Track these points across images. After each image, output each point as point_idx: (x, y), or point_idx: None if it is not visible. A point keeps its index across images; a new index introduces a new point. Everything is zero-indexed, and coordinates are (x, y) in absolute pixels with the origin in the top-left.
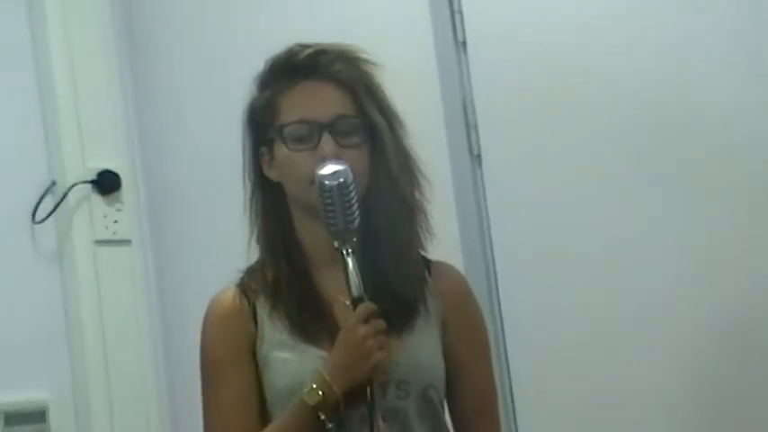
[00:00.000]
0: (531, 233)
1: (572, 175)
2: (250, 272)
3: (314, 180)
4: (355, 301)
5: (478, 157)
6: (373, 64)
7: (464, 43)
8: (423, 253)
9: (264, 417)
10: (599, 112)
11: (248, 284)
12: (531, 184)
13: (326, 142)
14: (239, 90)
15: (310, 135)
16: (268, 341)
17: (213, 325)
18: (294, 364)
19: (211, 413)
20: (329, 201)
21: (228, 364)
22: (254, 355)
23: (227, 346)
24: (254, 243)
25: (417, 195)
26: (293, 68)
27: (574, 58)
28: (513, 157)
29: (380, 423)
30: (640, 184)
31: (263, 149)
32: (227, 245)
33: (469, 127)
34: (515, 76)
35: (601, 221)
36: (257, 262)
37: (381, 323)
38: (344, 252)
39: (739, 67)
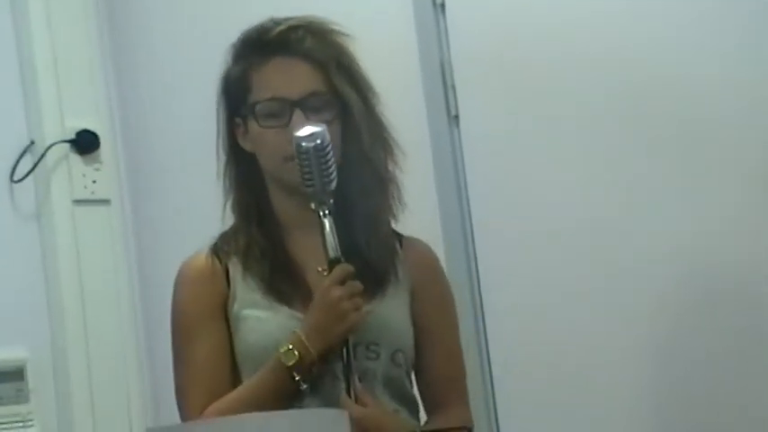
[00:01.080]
0: (508, 194)
1: (549, 135)
2: (223, 237)
3: (286, 158)
4: (332, 263)
5: (456, 117)
6: (346, 35)
7: (443, 5)
8: (395, 228)
9: (236, 378)
10: (577, 73)
11: (221, 247)
12: (508, 145)
13: (298, 119)
14: (219, 52)
15: (282, 112)
16: (240, 300)
17: (185, 286)
18: (267, 322)
19: (183, 372)
20: (306, 162)
21: (201, 323)
22: (226, 315)
23: (200, 306)
24: (228, 210)
25: (390, 167)
26: (265, 45)
27: (553, 19)
28: (490, 117)
29: (357, 383)
30: (620, 146)
31: (238, 120)
32: (206, 203)
33: (447, 87)
34: (493, 37)
35: (579, 183)
36: (231, 228)
37: (357, 285)
38: (321, 213)
39: (725, 36)
